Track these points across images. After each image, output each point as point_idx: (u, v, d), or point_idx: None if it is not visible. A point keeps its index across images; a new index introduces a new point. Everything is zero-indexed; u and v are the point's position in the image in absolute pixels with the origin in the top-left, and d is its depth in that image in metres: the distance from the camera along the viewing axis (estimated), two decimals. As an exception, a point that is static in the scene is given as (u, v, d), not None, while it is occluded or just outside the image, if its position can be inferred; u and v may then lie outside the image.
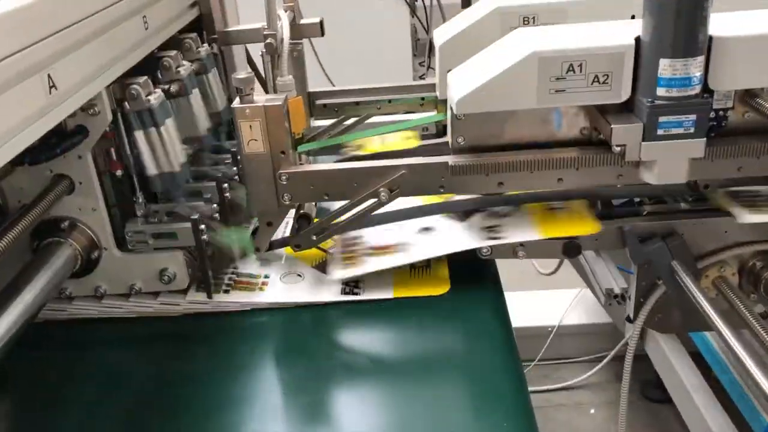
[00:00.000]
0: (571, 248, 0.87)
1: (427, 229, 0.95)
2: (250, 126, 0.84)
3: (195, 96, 0.94)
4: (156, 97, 0.83)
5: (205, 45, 1.03)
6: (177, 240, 0.87)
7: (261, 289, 0.91)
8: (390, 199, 0.86)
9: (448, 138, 0.90)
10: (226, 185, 0.95)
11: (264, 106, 0.84)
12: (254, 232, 0.94)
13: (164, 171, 0.86)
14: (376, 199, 0.86)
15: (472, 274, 0.92)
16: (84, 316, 0.89)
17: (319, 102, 1.16)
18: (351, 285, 0.91)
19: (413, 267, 0.93)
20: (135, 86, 0.80)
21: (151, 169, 0.85)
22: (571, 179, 0.85)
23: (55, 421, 0.76)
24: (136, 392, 0.79)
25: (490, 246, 0.87)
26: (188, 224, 0.85)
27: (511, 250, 0.88)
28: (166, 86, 0.90)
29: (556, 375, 1.83)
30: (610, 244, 0.89)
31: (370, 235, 0.97)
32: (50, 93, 0.63)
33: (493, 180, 0.85)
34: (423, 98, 1.15)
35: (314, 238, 0.90)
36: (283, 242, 0.95)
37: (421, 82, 1.19)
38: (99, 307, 0.89)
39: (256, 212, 0.90)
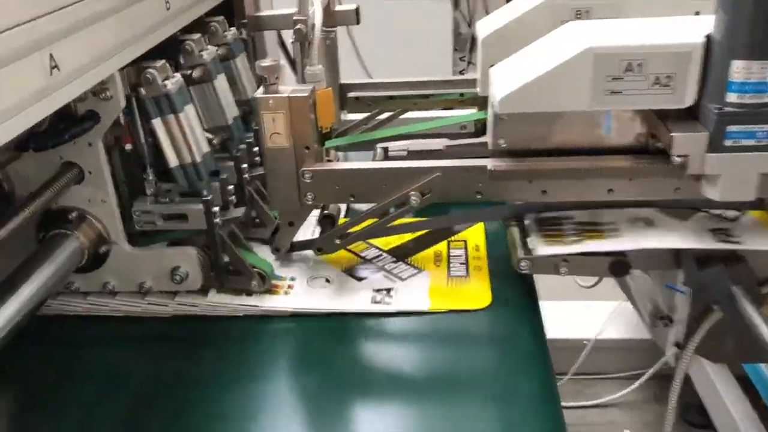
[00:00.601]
0: (618, 266, 0.79)
1: (643, 220, 0.83)
2: (273, 118, 0.78)
3: (220, 82, 0.88)
4: (174, 82, 0.77)
5: (233, 29, 0.97)
6: (187, 222, 0.81)
7: (286, 292, 0.85)
8: (421, 204, 0.79)
9: (487, 139, 0.83)
10: (245, 166, 0.89)
11: (289, 97, 0.77)
12: (275, 232, 0.88)
13: (185, 162, 0.79)
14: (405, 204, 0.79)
15: (507, 285, 0.85)
16: (92, 313, 0.84)
17: (351, 94, 1.09)
18: (382, 293, 0.84)
19: (450, 276, 0.87)
20: (151, 70, 0.74)
21: (172, 161, 0.79)
22: (623, 190, 0.78)
23: (54, 420, 0.72)
24: (137, 394, 0.74)
25: (529, 259, 0.80)
26: (200, 206, 0.79)
27: (553, 266, 0.80)
28: (188, 71, 0.84)
29: (590, 391, 1.74)
30: (662, 264, 0.81)
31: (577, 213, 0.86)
32: (51, 74, 0.58)
33: (537, 187, 0.77)
34: (462, 94, 1.08)
35: (338, 242, 0.83)
36: (305, 244, 0.89)
37: (461, 77, 1.12)
38: (112, 303, 0.84)
39: (276, 210, 0.84)
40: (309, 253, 0.90)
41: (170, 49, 0.83)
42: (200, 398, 0.73)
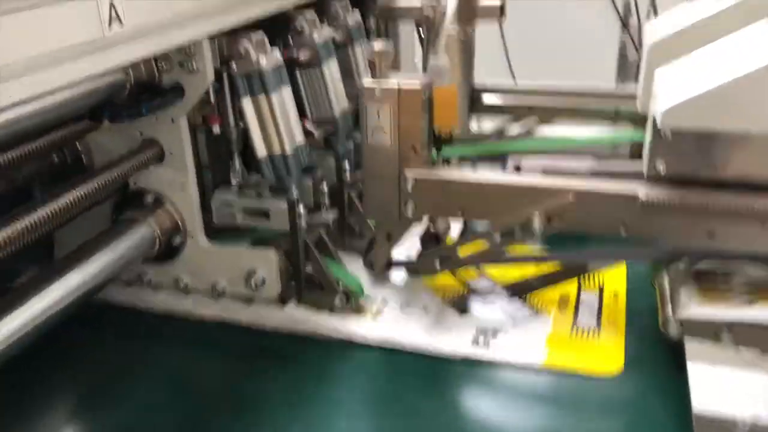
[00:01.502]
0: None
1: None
2: (378, 111, 0.66)
3: (330, 69, 0.78)
4: (269, 59, 0.67)
5: (355, 13, 0.86)
6: (269, 221, 0.71)
7: (374, 317, 0.73)
8: (546, 231, 0.64)
9: (643, 160, 0.66)
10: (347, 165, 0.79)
11: (399, 88, 0.65)
12: (369, 248, 0.76)
13: (275, 153, 0.70)
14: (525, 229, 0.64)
15: (646, 342, 0.68)
16: (164, 312, 0.77)
17: (485, 98, 0.95)
18: (487, 335, 0.70)
19: (576, 326, 0.71)
20: (244, 42, 0.65)
21: (260, 151, 0.70)
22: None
23: (109, 413, 0.65)
24: (200, 399, 0.66)
25: (680, 321, 0.61)
26: (284, 204, 0.69)
27: (713, 332, 0.61)
28: (296, 53, 0.74)
29: (739, 482, 1.46)
30: None
31: None
32: (110, 27, 0.49)
33: (701, 228, 0.60)
34: (617, 110, 0.90)
35: (438, 265, 0.70)
36: (404, 263, 0.76)
37: (617, 90, 0.95)
38: (185, 303, 0.76)
39: (370, 218, 0.72)
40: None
41: (281, 26, 0.75)
42: (259, 418, 0.63)
